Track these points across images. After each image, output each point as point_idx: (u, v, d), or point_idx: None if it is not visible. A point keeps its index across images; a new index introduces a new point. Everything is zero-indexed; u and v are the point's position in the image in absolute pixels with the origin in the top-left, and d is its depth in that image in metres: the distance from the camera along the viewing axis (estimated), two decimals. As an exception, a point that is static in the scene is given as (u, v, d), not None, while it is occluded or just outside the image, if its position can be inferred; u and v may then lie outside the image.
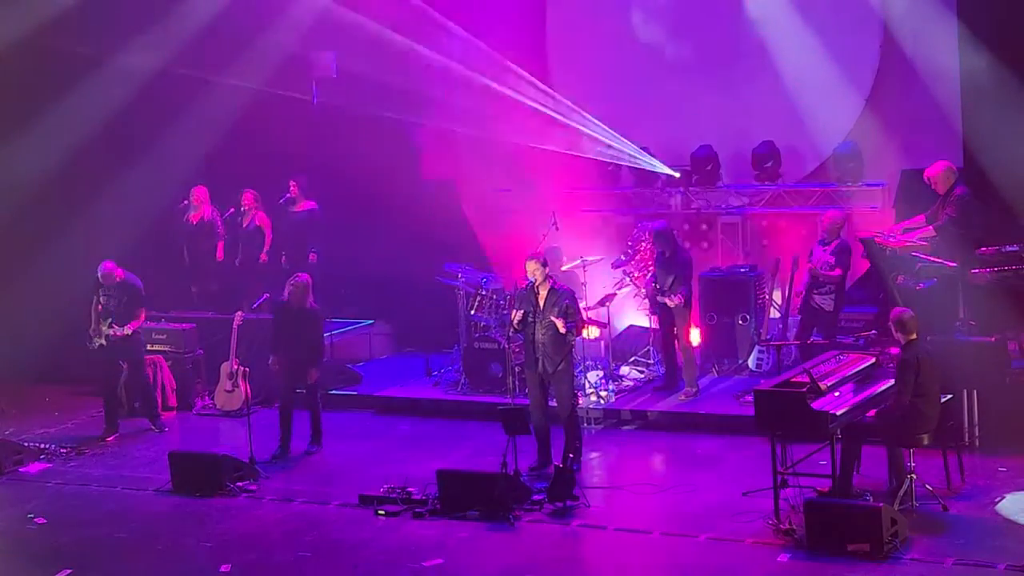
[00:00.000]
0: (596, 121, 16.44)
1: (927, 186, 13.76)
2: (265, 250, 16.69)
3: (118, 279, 14.55)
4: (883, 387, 11.38)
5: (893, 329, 11.10)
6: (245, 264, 16.81)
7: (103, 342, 14.54)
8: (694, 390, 14.43)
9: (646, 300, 15.10)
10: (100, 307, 14.55)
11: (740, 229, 16.51)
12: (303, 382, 13.68)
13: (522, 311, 12.52)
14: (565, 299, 12.53)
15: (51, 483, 13.28)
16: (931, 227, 13.38)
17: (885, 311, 12.18)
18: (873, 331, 12.78)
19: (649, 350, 15.42)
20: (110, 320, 14.48)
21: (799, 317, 14.57)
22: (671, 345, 14.63)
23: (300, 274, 13.91)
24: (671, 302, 14.22)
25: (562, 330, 12.36)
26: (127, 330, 14.44)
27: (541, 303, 12.54)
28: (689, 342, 14.53)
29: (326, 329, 15.74)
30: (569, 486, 11.65)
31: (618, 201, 17.16)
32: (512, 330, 12.73)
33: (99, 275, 14.56)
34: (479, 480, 11.64)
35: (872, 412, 11.23)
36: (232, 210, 16.82)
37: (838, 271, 14.14)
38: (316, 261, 16.56)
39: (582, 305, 14.39)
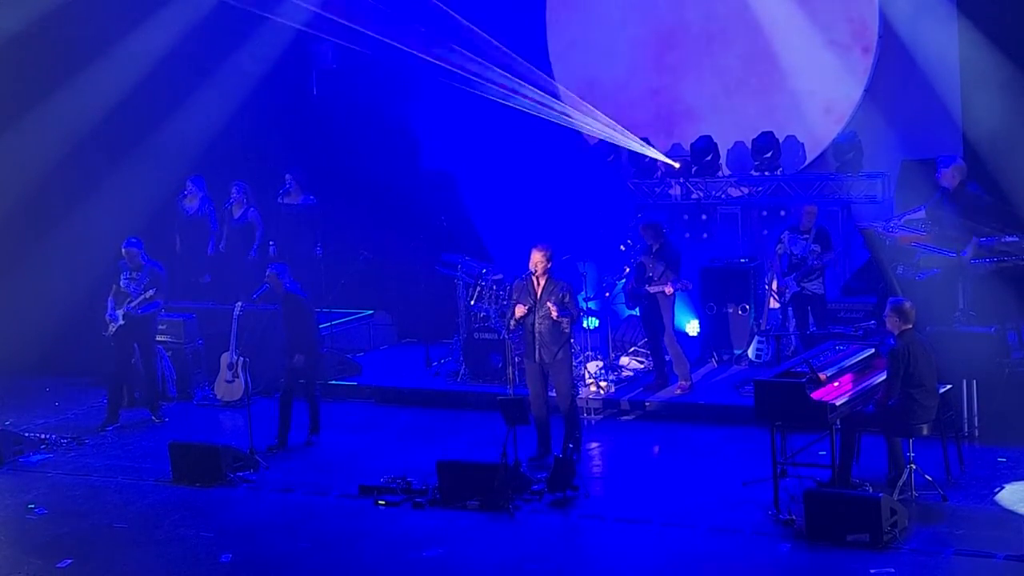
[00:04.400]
0: (596, 111, 16.44)
1: (927, 176, 13.74)
2: (255, 245, 16.65)
3: (143, 263, 14.60)
4: (882, 377, 11.38)
5: (890, 317, 11.08)
6: (234, 257, 16.76)
7: (122, 322, 14.52)
8: (688, 383, 14.40)
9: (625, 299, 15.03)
10: (122, 288, 14.55)
11: (740, 220, 16.51)
12: (303, 373, 13.67)
13: (526, 307, 12.50)
14: (562, 290, 12.54)
15: (51, 473, 13.28)
16: (922, 209, 13.38)
17: (884, 301, 12.18)
18: (872, 321, 12.81)
19: (648, 340, 15.40)
20: (129, 300, 14.50)
21: (793, 308, 14.60)
22: (658, 342, 14.51)
23: (270, 266, 13.94)
24: (668, 290, 14.12)
25: (554, 315, 12.38)
26: (148, 294, 14.44)
27: (539, 293, 12.55)
28: (674, 336, 14.45)
29: (327, 319, 15.79)
30: (569, 476, 11.67)
31: (617, 192, 17.14)
32: (513, 323, 12.72)
33: (123, 252, 14.57)
34: (479, 470, 11.64)
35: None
36: (230, 202, 16.79)
37: (827, 256, 14.33)
38: (321, 253, 16.53)
39: (581, 296, 14.42)
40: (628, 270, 14.72)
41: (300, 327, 13.68)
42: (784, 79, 16.16)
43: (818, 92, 16.03)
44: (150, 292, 14.49)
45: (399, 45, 16.55)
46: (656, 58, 16.81)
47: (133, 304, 14.50)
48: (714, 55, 16.53)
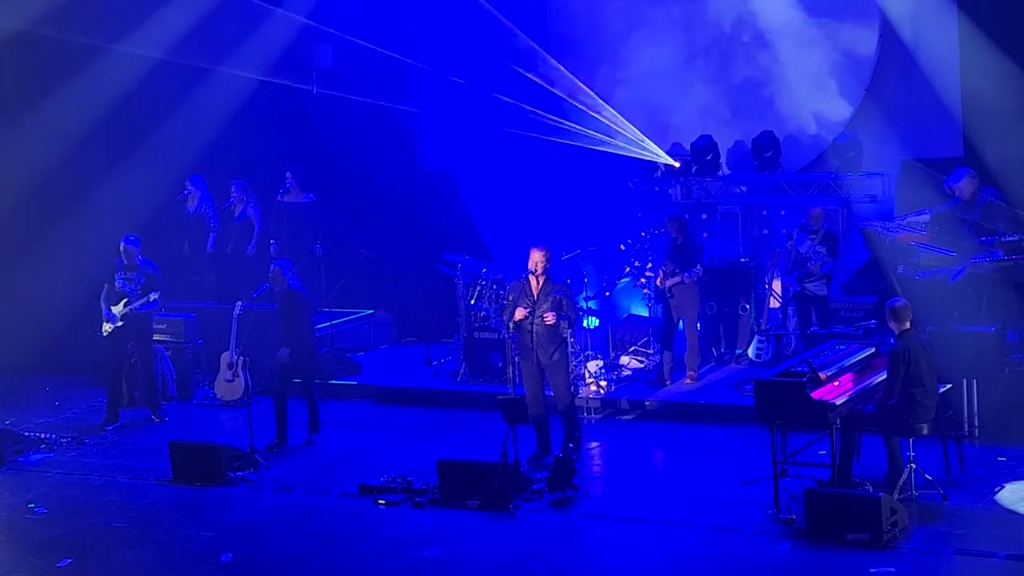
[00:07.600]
0: (596, 110, 16.43)
1: (927, 176, 13.74)
2: (253, 242, 16.66)
3: (138, 263, 14.58)
4: (882, 377, 11.38)
5: (889, 318, 11.10)
6: (236, 255, 16.78)
7: (119, 323, 14.51)
8: (694, 374, 14.43)
9: (647, 291, 15.05)
10: (116, 287, 14.53)
11: (740, 219, 16.51)
12: (300, 371, 13.67)
13: (526, 311, 12.48)
14: (559, 291, 12.52)
15: (51, 473, 13.29)
16: (927, 212, 13.36)
17: (885, 301, 12.20)
18: (873, 320, 12.81)
19: (648, 340, 15.41)
20: (126, 300, 14.49)
21: (794, 307, 14.60)
22: (671, 337, 14.55)
23: (274, 262, 13.93)
24: (689, 279, 14.11)
25: (549, 321, 12.37)
26: (151, 296, 14.42)
27: (537, 294, 12.54)
28: (695, 328, 14.49)
29: (327, 318, 15.78)
30: (569, 475, 11.67)
31: (618, 191, 17.13)
32: (512, 324, 12.70)
33: (120, 247, 14.54)
34: (479, 469, 11.65)
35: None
36: (230, 200, 16.80)
37: (829, 262, 14.27)
38: (321, 252, 16.52)
39: (582, 295, 14.44)
40: (642, 265, 14.74)
41: (293, 322, 13.66)
42: (785, 78, 16.16)
43: (819, 91, 16.02)
44: (153, 295, 14.47)
45: (399, 43, 16.57)
46: (656, 56, 16.79)
47: (134, 305, 14.49)
48: (715, 53, 16.53)
